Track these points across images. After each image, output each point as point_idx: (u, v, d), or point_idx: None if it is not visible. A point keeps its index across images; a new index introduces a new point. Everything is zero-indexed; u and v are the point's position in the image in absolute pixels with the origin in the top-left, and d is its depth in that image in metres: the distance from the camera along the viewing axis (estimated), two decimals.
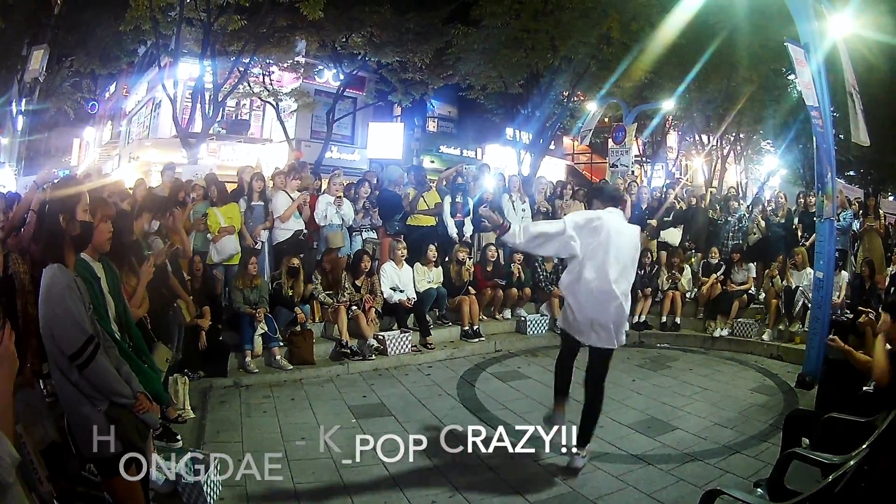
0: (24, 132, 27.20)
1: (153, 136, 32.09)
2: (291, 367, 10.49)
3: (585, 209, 7.41)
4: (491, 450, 6.40)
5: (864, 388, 6.74)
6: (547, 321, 13.70)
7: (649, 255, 14.49)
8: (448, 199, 13.83)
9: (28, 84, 25.01)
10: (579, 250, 6.45)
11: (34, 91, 25.74)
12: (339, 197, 12.41)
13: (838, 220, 12.42)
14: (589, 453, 7.02)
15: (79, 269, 4.35)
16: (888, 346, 5.76)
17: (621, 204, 7.98)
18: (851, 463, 3.94)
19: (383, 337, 11.55)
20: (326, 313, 11.63)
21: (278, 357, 10.51)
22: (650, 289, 14.19)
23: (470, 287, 13.17)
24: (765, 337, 12.95)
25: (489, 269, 13.53)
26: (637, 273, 13.69)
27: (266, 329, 10.48)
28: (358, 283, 11.81)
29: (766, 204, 17.25)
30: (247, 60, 22.83)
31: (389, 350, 11.49)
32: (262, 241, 12.01)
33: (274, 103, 28.33)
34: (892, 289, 12.22)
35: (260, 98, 28.75)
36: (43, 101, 28.05)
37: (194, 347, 9.36)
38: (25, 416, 4.49)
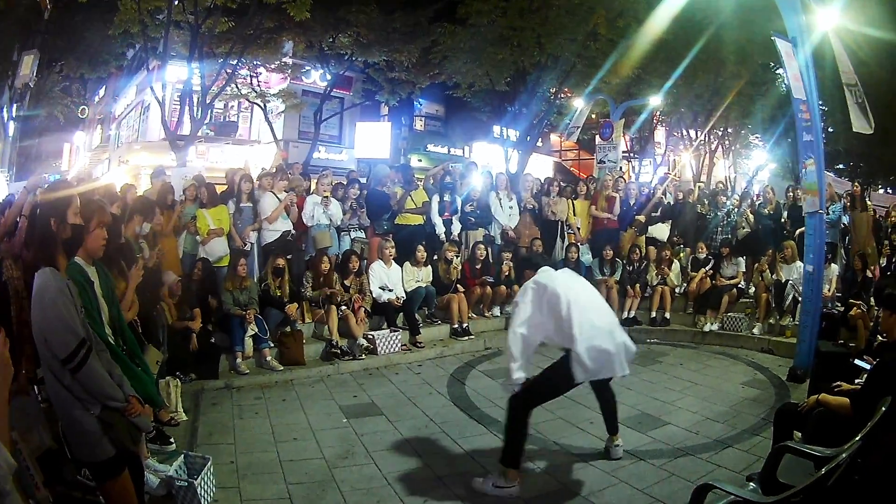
0: (15, 138, 27.18)
1: (142, 140, 32.12)
2: (282, 367, 10.49)
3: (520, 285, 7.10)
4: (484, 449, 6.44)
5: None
6: None
7: (638, 250, 14.55)
8: (436, 198, 13.85)
9: (19, 90, 24.99)
10: (556, 316, 6.31)
11: (25, 96, 25.73)
12: (327, 197, 12.44)
13: (828, 214, 12.47)
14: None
15: (73, 272, 4.37)
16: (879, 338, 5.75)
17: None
18: (844, 455, 3.95)
19: (373, 336, 11.56)
20: (317, 314, 11.63)
21: (269, 358, 10.49)
22: (639, 284, 14.18)
23: (458, 285, 13.19)
24: (755, 331, 12.97)
25: (478, 267, 13.55)
26: (626, 269, 13.79)
27: (256, 330, 10.44)
28: (347, 282, 11.85)
29: (754, 198, 17.28)
30: (234, 62, 22.77)
31: (379, 349, 11.50)
32: (251, 243, 12.04)
33: (262, 105, 28.48)
34: (887, 282, 12.25)
35: (248, 100, 28.86)
36: (34, 106, 28.09)
37: (185, 350, 9.36)
38: (21, 422, 4.49)
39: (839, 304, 12.14)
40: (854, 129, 11.48)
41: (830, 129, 27.36)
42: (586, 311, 6.36)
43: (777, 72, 25.82)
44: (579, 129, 25.08)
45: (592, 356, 6.17)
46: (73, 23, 26.00)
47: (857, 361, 7.12)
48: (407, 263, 12.80)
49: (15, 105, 25.79)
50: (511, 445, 6.34)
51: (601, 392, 7.02)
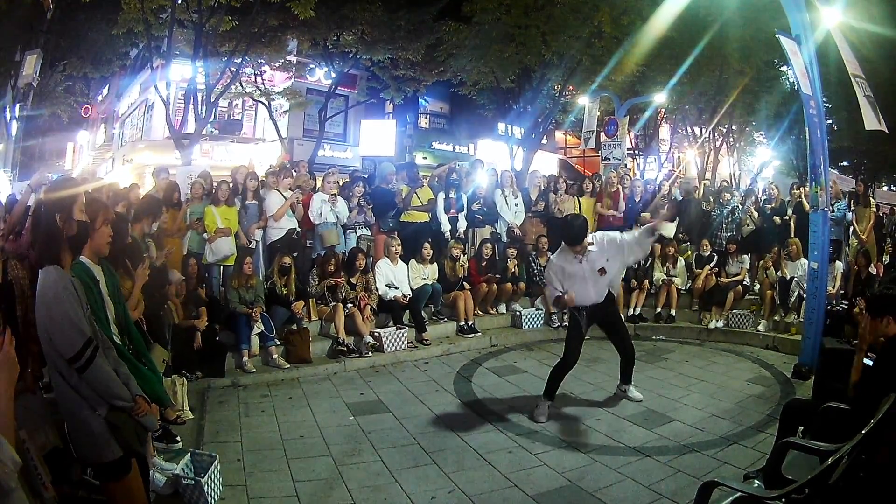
0: (18, 137, 27.21)
1: (146, 139, 32.10)
2: (289, 365, 10.44)
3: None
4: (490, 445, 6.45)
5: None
6: (542, 315, 13.59)
7: None
8: (441, 196, 13.79)
9: (22, 89, 25.02)
10: None
11: (28, 96, 25.77)
12: (334, 195, 12.44)
13: (832, 211, 12.45)
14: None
15: (78, 271, 4.30)
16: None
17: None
18: (848, 447, 3.94)
19: (379, 334, 11.52)
20: (323, 311, 11.64)
21: (275, 356, 10.46)
22: (645, 281, 14.14)
23: (465, 282, 13.11)
24: (760, 328, 12.94)
25: (484, 264, 13.47)
26: (631, 266, 13.83)
27: (262, 328, 10.44)
28: (353, 280, 11.83)
29: (759, 195, 17.25)
30: (238, 60, 22.82)
31: (386, 347, 11.46)
32: (256, 241, 12.04)
33: (266, 103, 28.43)
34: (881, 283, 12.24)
35: (252, 98, 28.88)
36: (37, 106, 28.16)
37: (191, 348, 9.36)
38: (28, 421, 4.45)
39: (844, 302, 12.13)
40: (867, 128, 11.35)
41: (835, 126, 27.41)
42: None
43: (781, 69, 25.82)
44: (594, 133, 25.01)
45: None
46: (77, 22, 26.08)
47: None
48: (413, 261, 12.78)
49: (18, 105, 25.85)
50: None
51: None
